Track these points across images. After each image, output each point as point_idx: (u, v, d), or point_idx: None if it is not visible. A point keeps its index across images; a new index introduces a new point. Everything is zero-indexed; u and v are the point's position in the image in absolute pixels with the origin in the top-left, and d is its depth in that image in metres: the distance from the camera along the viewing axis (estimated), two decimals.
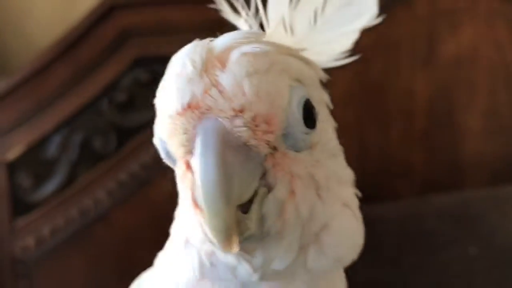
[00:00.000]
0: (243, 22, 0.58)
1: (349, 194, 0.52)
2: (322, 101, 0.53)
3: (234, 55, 0.44)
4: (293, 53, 0.51)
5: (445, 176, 1.59)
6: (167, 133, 0.46)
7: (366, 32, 1.65)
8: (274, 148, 0.45)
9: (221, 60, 0.44)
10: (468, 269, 1.16)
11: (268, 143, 0.44)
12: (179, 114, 0.44)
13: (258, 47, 0.45)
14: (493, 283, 1.15)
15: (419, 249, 1.21)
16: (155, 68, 1.45)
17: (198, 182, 0.42)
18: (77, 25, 1.39)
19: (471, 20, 1.57)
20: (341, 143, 1.66)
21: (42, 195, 1.42)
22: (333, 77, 1.67)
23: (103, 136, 1.43)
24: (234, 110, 0.43)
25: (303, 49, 0.54)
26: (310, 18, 0.56)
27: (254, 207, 0.44)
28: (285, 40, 0.55)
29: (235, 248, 0.43)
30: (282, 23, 0.55)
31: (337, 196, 0.50)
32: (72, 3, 1.59)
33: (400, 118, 1.57)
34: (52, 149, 1.42)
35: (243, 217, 0.44)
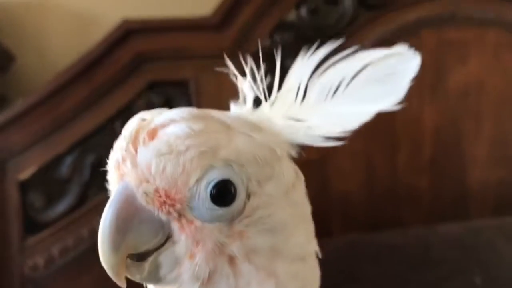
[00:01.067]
0: (247, 84, 0.60)
1: (286, 268, 0.55)
2: (272, 178, 0.55)
3: (160, 133, 0.52)
4: (246, 132, 0.54)
5: (451, 204, 1.60)
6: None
7: None
8: (180, 215, 0.52)
9: (152, 134, 0.52)
10: None
11: (169, 211, 0.52)
12: (111, 170, 0.54)
13: (185, 128, 0.51)
14: None
15: (425, 277, 1.21)
16: (168, 92, 1.47)
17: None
18: (93, 49, 1.42)
19: (478, 51, 1.59)
20: (348, 170, 1.66)
21: (53, 214, 1.43)
22: None
23: None
24: (140, 180, 0.51)
25: (299, 120, 0.57)
26: (331, 89, 0.58)
27: (151, 257, 0.53)
28: (288, 107, 0.58)
29: (123, 284, 0.53)
30: (295, 90, 0.58)
31: (263, 268, 0.54)
32: (90, 27, 1.62)
33: (408, 146, 1.59)
34: (64, 169, 1.44)
35: (134, 263, 0.53)
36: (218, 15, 1.46)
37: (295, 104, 0.58)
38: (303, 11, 1.52)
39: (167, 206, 0.52)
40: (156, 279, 0.54)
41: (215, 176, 0.52)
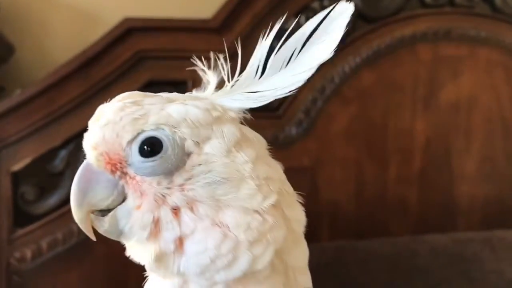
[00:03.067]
0: (210, 71, 0.67)
1: (235, 218, 0.59)
2: (211, 138, 0.60)
3: (105, 111, 0.61)
4: (181, 101, 0.61)
5: (438, 216, 1.59)
6: None
7: (370, 72, 1.67)
8: (124, 173, 0.60)
9: (104, 114, 0.61)
10: None
11: (113, 169, 0.60)
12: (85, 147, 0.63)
13: (120, 104, 0.61)
14: None
15: (412, 285, 1.19)
16: (165, 91, 1.45)
17: None
18: (93, 44, 1.41)
19: (471, 68, 1.60)
20: (339, 178, 1.64)
21: (44, 208, 1.41)
22: (336, 114, 1.67)
23: None
24: (91, 148, 0.61)
25: (252, 92, 0.63)
26: (284, 61, 0.62)
27: (111, 212, 0.60)
28: (248, 84, 0.64)
29: (92, 236, 0.62)
30: (254, 70, 0.63)
31: (207, 217, 0.58)
32: (93, 23, 1.60)
33: (398, 157, 1.58)
34: (58, 162, 1.41)
35: (97, 218, 0.61)
36: (218, 19, 1.45)
37: (254, 80, 0.64)
38: (302, 19, 1.52)
39: (110, 166, 0.61)
40: (117, 232, 0.61)
41: (145, 136, 0.60)
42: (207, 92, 0.66)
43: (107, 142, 0.60)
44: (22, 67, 1.58)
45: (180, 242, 0.58)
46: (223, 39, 1.47)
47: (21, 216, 1.41)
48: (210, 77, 0.66)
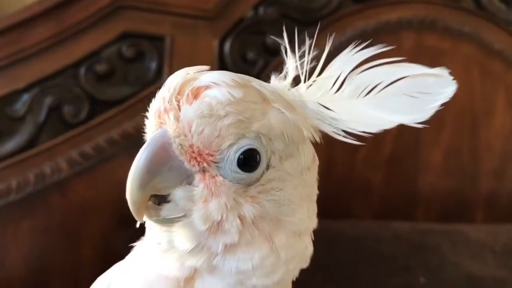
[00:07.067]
0: (293, 63, 0.62)
1: (283, 239, 0.57)
2: (293, 157, 0.57)
3: (203, 95, 0.54)
4: (280, 108, 0.56)
5: (399, 202, 1.55)
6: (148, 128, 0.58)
7: None
8: (205, 170, 0.55)
9: (196, 93, 0.54)
10: None
11: (194, 164, 0.54)
12: (151, 116, 0.57)
13: (228, 94, 0.53)
14: None
15: (374, 270, 1.14)
16: (140, 45, 1.33)
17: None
18: None
19: (450, 62, 1.53)
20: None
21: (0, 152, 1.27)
22: None
23: (74, 104, 1.30)
24: (179, 133, 0.54)
25: (327, 108, 0.59)
26: (366, 88, 0.59)
27: (170, 204, 0.55)
28: (322, 93, 0.60)
29: (141, 219, 0.56)
30: (333, 79, 0.59)
31: (264, 232, 0.56)
32: None
33: (369, 141, 1.51)
34: (19, 106, 1.27)
35: (154, 206, 0.55)
36: None
37: (329, 93, 0.60)
38: None
39: (195, 161, 0.54)
40: (170, 222, 0.55)
41: (245, 144, 0.54)
42: (284, 85, 0.62)
43: (205, 138, 0.54)
44: None
45: (229, 246, 0.56)
46: None
47: None
48: (289, 66, 0.62)
